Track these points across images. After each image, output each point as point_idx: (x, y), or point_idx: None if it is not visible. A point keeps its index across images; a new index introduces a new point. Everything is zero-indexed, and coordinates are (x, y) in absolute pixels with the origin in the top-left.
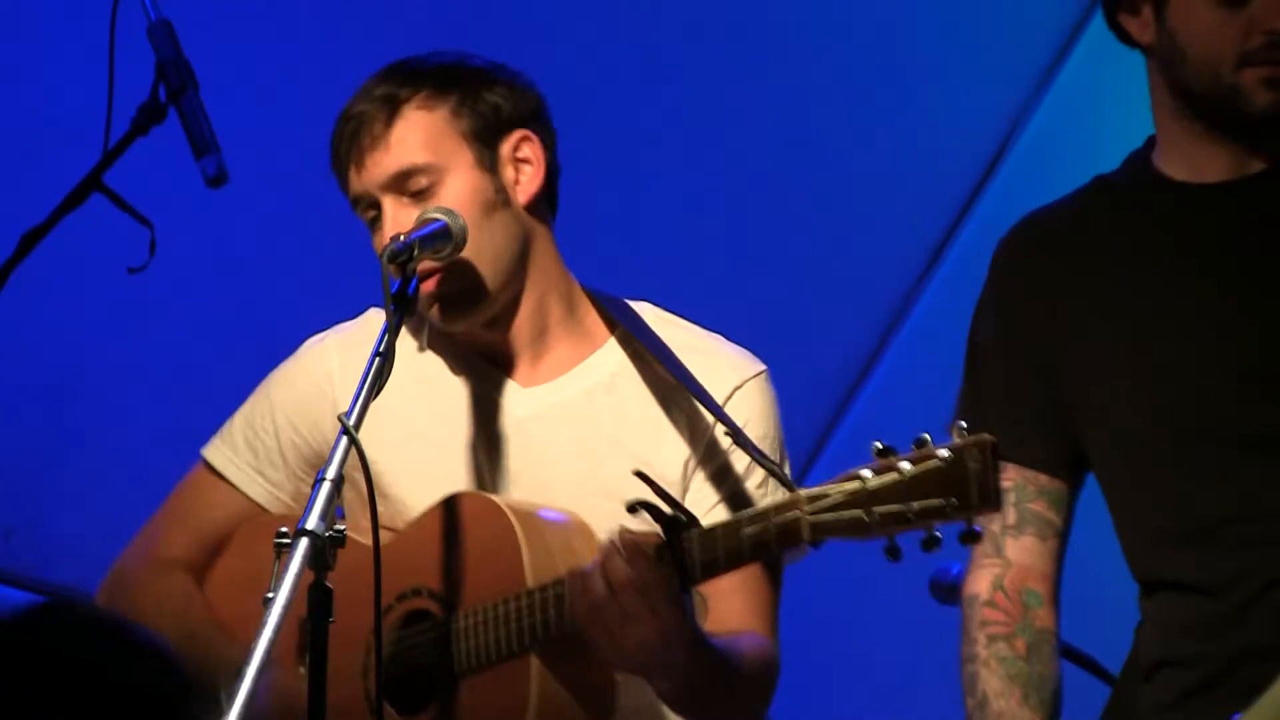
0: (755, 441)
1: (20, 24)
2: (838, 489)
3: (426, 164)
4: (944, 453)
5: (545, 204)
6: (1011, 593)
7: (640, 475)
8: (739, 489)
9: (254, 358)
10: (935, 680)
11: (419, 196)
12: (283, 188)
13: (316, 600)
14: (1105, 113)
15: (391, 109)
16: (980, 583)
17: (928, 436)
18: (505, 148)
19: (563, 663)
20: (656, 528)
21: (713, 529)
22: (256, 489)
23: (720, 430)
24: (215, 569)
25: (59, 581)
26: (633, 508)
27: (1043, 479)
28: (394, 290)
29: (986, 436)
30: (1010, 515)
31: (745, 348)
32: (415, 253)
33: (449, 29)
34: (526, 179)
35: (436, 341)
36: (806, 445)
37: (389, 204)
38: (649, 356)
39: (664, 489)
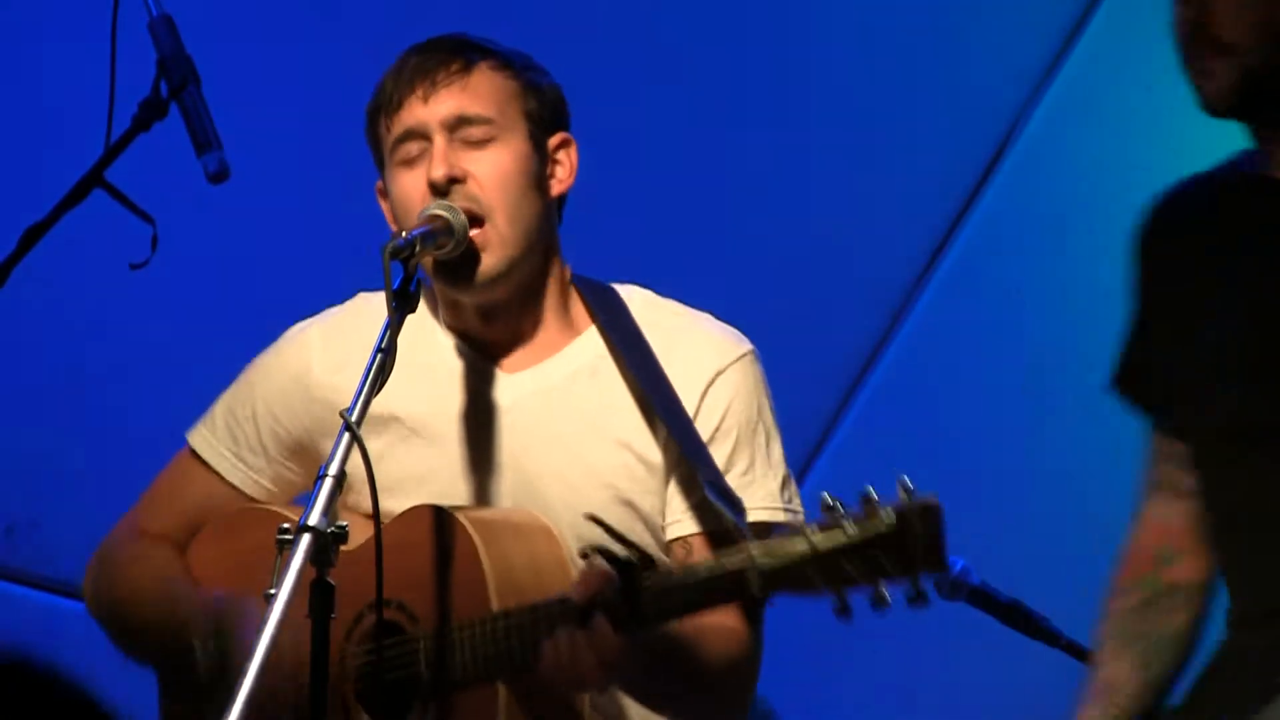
0: (737, 427)
1: (21, 20)
2: (788, 546)
3: (493, 117)
4: (889, 519)
5: (560, 211)
6: (1144, 550)
7: (593, 519)
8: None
9: (255, 354)
10: (935, 678)
11: (473, 145)
12: (285, 184)
13: (318, 596)
14: (1105, 112)
15: (468, 60)
16: (1124, 548)
17: (874, 495)
18: (552, 142)
19: (531, 691)
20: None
21: (666, 583)
22: (236, 474)
23: (700, 422)
24: (188, 553)
25: (59, 578)
26: (585, 554)
27: (1178, 445)
28: (395, 286)
29: (932, 500)
30: (1150, 476)
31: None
32: (417, 249)
33: (448, 27)
34: (560, 178)
35: (426, 330)
36: (808, 442)
37: (441, 141)
38: (625, 349)
39: (618, 531)
